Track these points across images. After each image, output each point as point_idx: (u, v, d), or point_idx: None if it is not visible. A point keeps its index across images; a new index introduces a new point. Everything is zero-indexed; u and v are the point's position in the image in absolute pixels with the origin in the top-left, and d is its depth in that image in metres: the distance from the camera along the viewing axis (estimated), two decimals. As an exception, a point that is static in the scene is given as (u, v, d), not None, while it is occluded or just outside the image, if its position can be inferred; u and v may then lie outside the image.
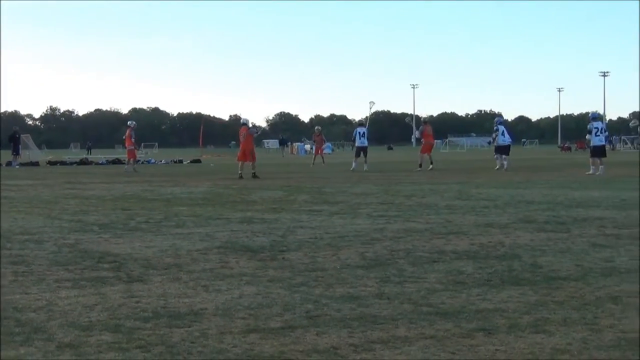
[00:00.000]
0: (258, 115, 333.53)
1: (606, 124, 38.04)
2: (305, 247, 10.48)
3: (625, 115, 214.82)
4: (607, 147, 39.68)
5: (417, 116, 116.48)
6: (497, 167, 35.33)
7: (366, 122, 43.83)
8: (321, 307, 6.84)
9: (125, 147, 41.22)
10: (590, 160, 31.26)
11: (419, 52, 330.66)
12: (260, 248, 10.47)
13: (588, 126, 32.18)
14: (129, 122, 41.65)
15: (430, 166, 36.21)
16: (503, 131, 35.42)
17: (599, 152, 31.19)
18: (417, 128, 39.39)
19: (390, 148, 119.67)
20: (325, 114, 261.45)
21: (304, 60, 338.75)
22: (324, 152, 49.02)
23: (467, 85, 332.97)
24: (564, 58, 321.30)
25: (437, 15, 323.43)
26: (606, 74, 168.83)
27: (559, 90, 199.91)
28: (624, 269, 8.62)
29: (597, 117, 33.00)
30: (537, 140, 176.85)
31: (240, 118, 35.72)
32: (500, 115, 46.43)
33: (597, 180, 25.84)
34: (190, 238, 11.59)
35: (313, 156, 47.23)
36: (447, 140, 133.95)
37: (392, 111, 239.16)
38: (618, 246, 10.32)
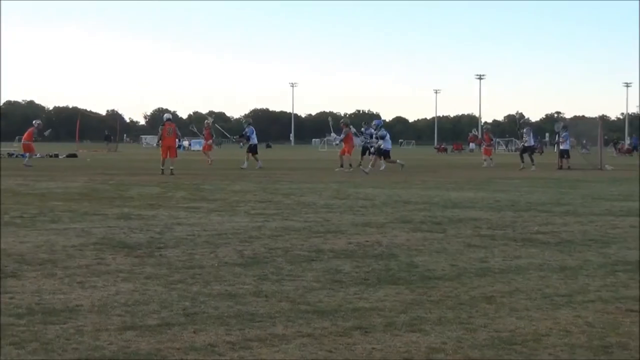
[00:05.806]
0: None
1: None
2: (183, 245, 10.42)
3: (500, 117, 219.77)
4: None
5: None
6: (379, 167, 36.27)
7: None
8: (198, 305, 6.82)
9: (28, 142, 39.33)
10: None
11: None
12: (137, 244, 10.37)
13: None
14: (34, 121, 40.14)
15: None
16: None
17: None
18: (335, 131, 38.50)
19: (269, 146, 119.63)
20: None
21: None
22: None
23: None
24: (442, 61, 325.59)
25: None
26: (482, 76, 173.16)
27: (436, 92, 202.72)
28: (497, 269, 8.82)
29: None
30: (413, 141, 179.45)
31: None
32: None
33: (472, 181, 26.33)
34: (65, 234, 11.40)
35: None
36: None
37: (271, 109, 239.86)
38: (492, 247, 10.54)
